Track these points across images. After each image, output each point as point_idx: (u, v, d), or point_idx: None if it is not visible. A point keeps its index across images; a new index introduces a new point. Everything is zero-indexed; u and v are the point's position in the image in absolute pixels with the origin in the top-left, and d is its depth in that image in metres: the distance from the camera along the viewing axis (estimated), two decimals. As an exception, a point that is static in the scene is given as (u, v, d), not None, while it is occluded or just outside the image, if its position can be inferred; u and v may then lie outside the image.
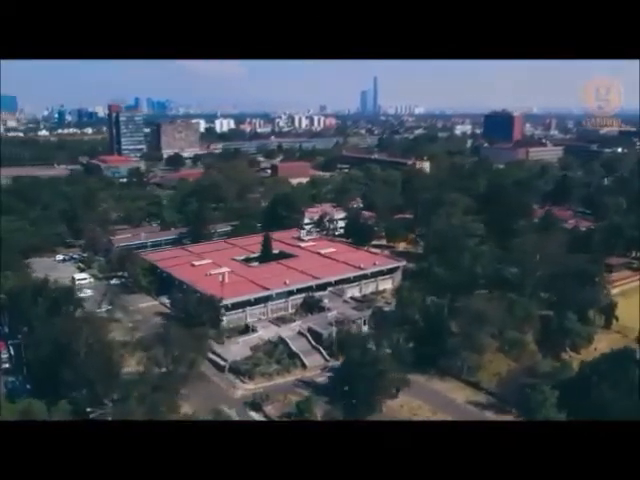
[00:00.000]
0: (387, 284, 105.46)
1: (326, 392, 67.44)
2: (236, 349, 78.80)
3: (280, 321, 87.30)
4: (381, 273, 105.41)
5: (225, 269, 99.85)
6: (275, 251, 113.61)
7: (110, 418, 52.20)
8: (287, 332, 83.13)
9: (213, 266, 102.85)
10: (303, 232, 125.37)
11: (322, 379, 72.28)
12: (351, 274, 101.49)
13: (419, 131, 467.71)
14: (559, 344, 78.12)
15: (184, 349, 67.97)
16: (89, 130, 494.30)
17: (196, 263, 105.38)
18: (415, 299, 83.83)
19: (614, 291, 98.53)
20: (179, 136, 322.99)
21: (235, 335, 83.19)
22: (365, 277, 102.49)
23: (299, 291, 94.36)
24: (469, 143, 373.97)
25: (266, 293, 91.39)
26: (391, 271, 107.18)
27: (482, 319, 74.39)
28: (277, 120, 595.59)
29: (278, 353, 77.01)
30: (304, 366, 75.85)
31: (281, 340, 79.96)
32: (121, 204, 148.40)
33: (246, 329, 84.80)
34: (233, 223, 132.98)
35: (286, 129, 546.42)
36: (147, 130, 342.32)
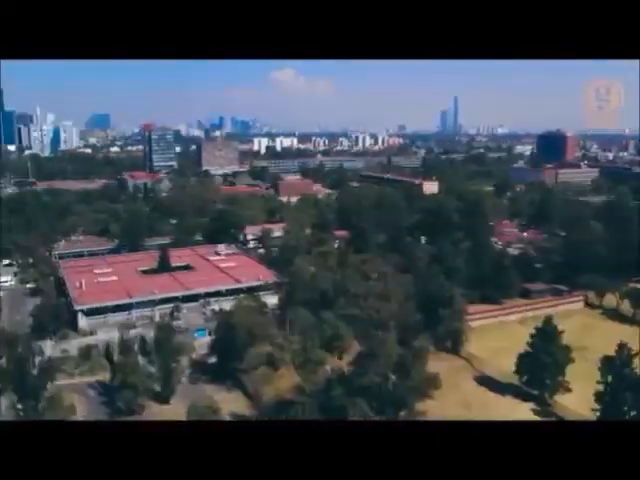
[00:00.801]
0: (273, 299, 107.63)
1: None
2: (64, 348, 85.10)
3: (124, 327, 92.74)
4: (266, 288, 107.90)
5: (114, 277, 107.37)
6: (182, 264, 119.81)
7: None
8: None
9: (110, 274, 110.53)
10: (221, 246, 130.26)
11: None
12: (227, 287, 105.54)
13: (476, 151, 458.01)
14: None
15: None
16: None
17: (97, 271, 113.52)
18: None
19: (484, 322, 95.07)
20: (219, 154, 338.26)
21: (76, 337, 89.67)
22: (242, 291, 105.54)
23: (167, 300, 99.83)
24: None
25: (129, 300, 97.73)
26: (279, 286, 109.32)
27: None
28: (340, 139, 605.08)
29: (95, 355, 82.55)
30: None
31: (107, 344, 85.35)
32: (90, 216, 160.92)
33: (91, 333, 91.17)
34: (172, 237, 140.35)
35: (347, 148, 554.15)
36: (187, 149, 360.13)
